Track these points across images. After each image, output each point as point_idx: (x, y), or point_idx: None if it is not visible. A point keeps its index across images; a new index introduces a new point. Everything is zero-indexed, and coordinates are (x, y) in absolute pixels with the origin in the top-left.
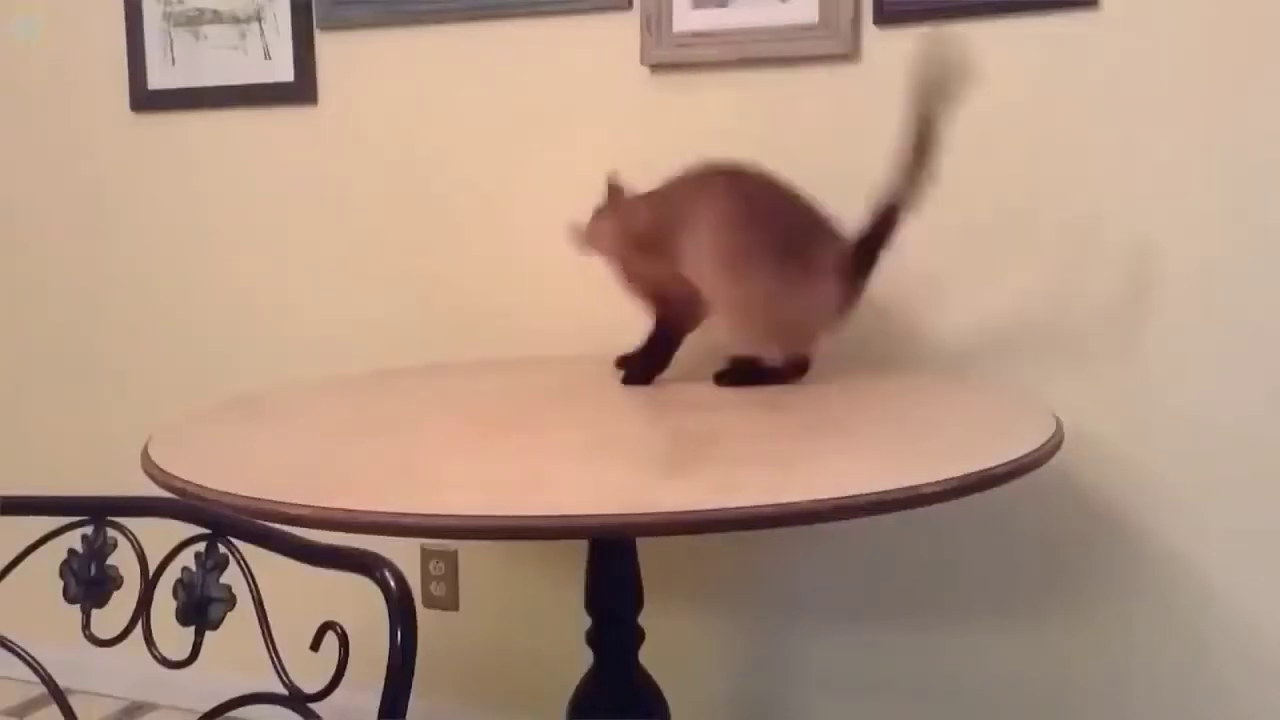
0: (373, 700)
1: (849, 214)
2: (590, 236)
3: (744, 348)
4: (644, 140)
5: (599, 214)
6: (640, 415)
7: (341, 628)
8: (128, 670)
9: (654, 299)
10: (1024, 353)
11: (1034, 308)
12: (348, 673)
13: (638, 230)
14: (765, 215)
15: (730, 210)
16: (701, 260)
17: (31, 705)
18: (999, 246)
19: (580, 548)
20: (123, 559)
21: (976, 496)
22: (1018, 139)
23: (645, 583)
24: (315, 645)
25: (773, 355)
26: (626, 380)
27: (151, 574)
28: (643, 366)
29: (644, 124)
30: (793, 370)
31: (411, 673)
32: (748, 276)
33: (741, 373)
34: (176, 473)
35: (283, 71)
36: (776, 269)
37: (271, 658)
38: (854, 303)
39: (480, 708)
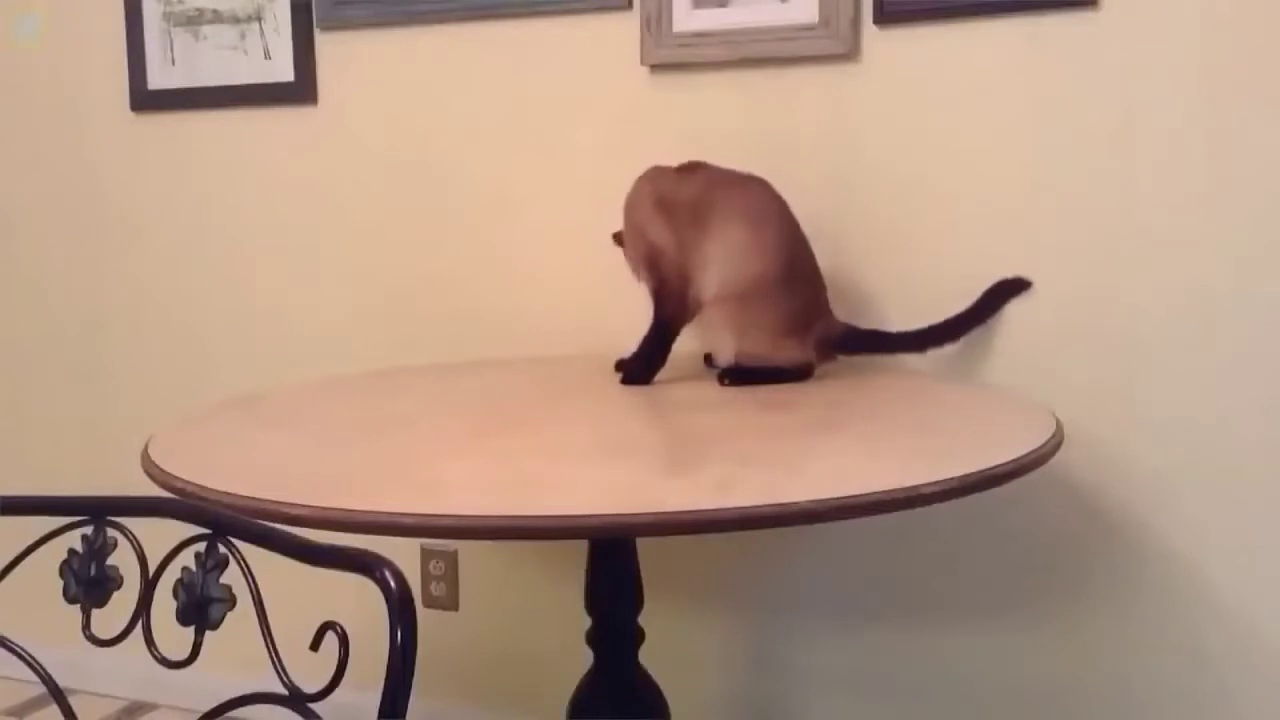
0: (373, 700)
1: (848, 214)
2: (630, 195)
3: (718, 349)
4: (644, 140)
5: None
6: (640, 415)
7: (341, 628)
8: (128, 670)
9: (655, 276)
10: (1023, 353)
11: (1034, 307)
12: (348, 673)
13: (671, 194)
14: (800, 268)
15: (778, 241)
16: (725, 263)
17: (31, 705)
18: (998, 246)
19: (580, 548)
20: (123, 559)
21: (976, 496)
22: (1017, 138)
23: (645, 583)
24: (315, 645)
25: (733, 359)
26: (626, 380)
27: (151, 574)
28: (642, 364)
29: (644, 124)
30: (795, 371)
31: (411, 673)
32: (757, 311)
33: (745, 372)
34: (176, 473)
35: (283, 71)
36: (781, 321)
37: (271, 658)
38: (815, 365)
39: (480, 708)
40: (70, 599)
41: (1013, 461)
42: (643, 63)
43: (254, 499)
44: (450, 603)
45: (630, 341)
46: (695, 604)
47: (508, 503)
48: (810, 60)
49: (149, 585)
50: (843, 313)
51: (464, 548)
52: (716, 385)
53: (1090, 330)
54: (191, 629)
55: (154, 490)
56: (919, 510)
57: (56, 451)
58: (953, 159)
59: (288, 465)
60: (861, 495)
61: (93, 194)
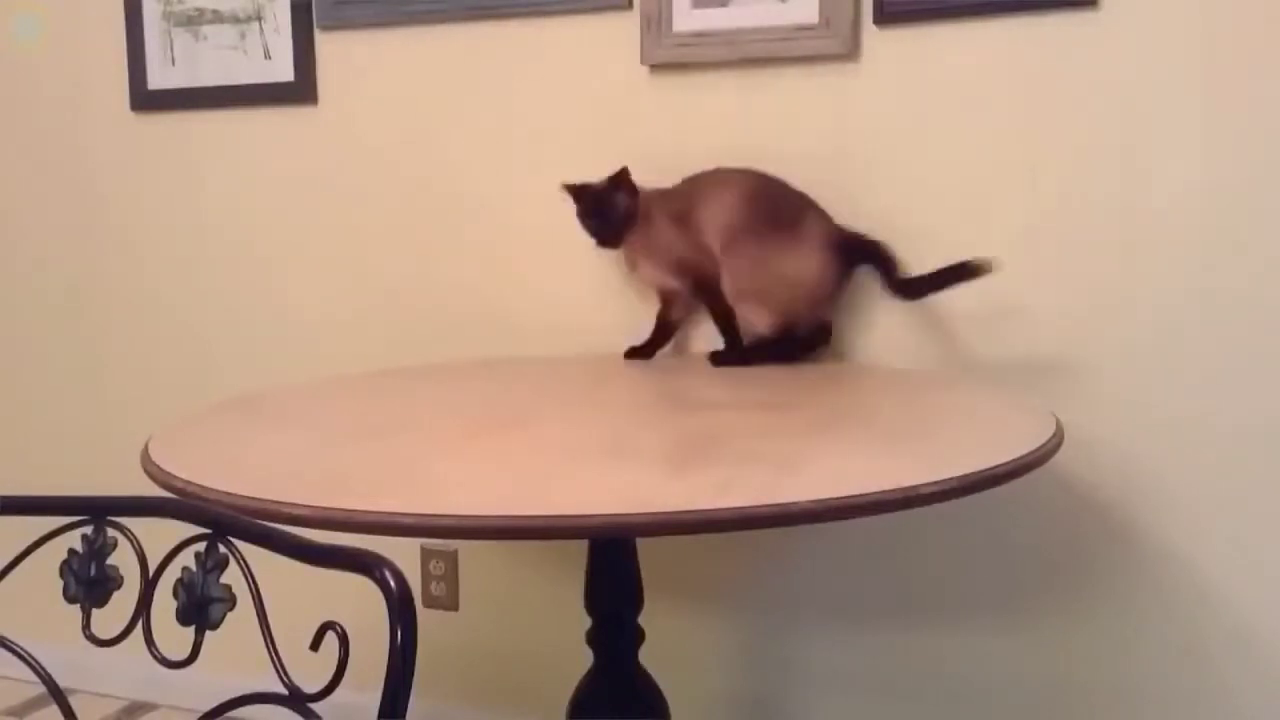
0: (373, 700)
1: (848, 214)
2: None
3: (743, 315)
4: (644, 141)
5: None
6: (640, 415)
7: (341, 628)
8: (128, 670)
9: (684, 272)
10: (1023, 353)
11: (1033, 307)
12: (348, 673)
13: (673, 206)
14: (761, 200)
15: (731, 197)
16: (711, 236)
17: (31, 705)
18: (997, 246)
19: (580, 548)
20: (123, 559)
21: (976, 496)
22: (1016, 138)
23: (645, 583)
24: (315, 645)
25: (765, 324)
26: (720, 363)
27: (151, 574)
28: (728, 348)
29: (644, 124)
30: (783, 347)
31: (411, 673)
32: (742, 247)
33: (735, 352)
34: (176, 473)
35: (283, 71)
36: (765, 240)
37: (271, 658)
38: (835, 278)
39: (480, 708)
40: (70, 599)
41: (1013, 461)
42: (643, 63)
43: (254, 499)
44: (450, 603)
45: (626, 341)
46: (695, 604)
47: (508, 503)
48: (810, 60)
49: (149, 585)
50: (842, 311)
51: (464, 548)
52: (716, 385)
53: (1090, 330)
54: (191, 629)
55: (154, 490)
56: (919, 510)
57: (56, 451)
58: (953, 159)
59: (288, 465)
60: (861, 495)
61: (93, 194)
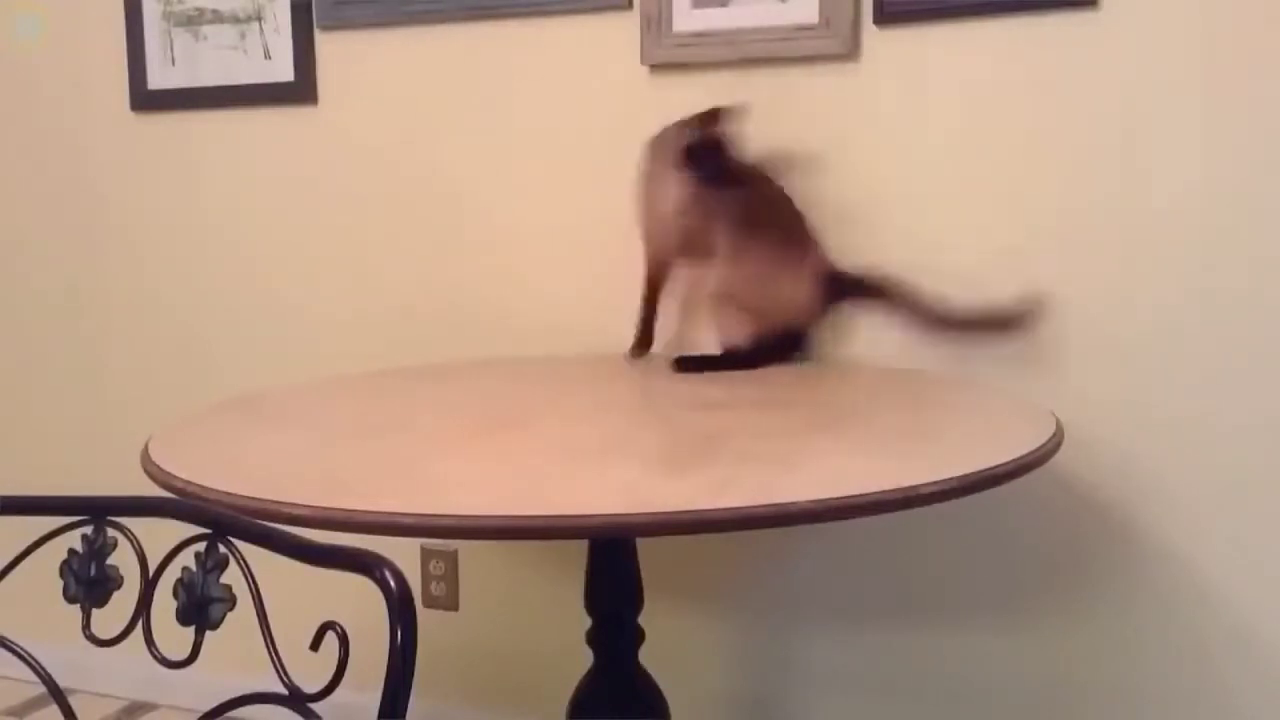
0: (373, 700)
1: (847, 212)
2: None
3: (724, 321)
4: (644, 140)
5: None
6: (640, 415)
7: (341, 628)
8: (128, 670)
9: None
10: (1023, 353)
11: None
12: (348, 673)
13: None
14: (771, 212)
15: (744, 200)
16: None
17: (31, 705)
18: (998, 246)
19: (580, 548)
20: (123, 559)
21: (976, 496)
22: (1016, 139)
23: (645, 583)
24: (315, 645)
25: (743, 334)
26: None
27: (151, 574)
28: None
29: (644, 125)
30: (755, 358)
31: (411, 673)
32: (744, 253)
33: (700, 360)
34: (176, 473)
35: (283, 71)
36: (769, 254)
37: (271, 658)
38: (820, 309)
39: (480, 708)
40: (70, 599)
41: (1013, 461)
42: (643, 63)
43: (254, 499)
44: (450, 603)
45: (624, 340)
46: (695, 604)
47: (508, 503)
48: (810, 60)
49: (149, 585)
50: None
51: (464, 548)
52: (715, 385)
53: (1090, 330)
54: (191, 629)
55: (154, 490)
56: (919, 510)
57: (56, 451)
58: (953, 159)
59: (288, 465)
60: (860, 495)
61: (93, 194)
